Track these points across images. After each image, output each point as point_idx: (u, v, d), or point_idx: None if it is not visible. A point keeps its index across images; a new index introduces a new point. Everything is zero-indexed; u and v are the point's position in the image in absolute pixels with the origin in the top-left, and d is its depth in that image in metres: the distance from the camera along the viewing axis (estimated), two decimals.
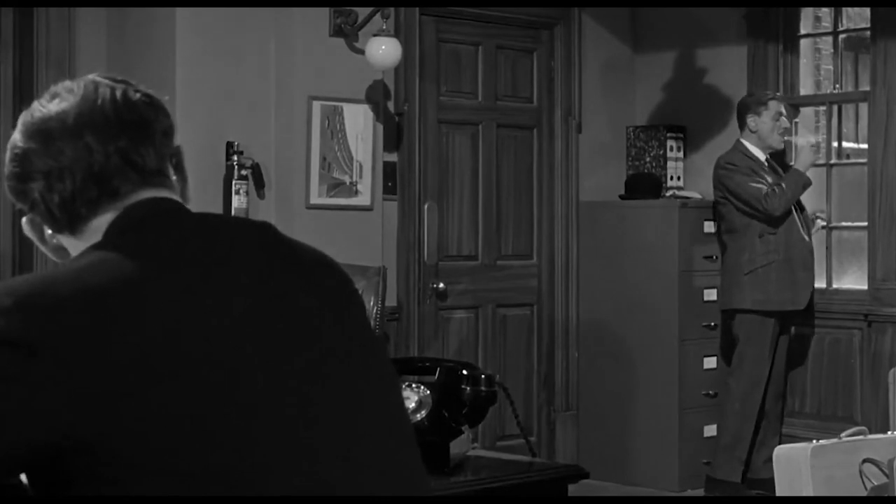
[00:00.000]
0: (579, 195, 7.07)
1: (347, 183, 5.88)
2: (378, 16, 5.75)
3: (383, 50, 5.73)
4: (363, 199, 5.94)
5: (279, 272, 1.70)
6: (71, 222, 1.71)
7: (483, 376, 3.09)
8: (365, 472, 1.64)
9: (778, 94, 6.60)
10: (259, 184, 5.63)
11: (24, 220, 1.76)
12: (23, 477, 1.60)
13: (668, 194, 6.98)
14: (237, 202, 5.51)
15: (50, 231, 1.74)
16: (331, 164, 5.83)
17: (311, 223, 5.63)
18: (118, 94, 1.73)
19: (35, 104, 1.75)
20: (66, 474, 1.51)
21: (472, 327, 6.73)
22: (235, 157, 5.54)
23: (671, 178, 7.12)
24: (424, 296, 6.50)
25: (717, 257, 6.60)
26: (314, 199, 5.78)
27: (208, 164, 5.46)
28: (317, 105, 5.77)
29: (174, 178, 1.75)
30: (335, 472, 1.61)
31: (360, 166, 5.92)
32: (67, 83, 1.75)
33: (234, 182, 5.52)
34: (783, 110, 6.39)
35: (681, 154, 7.19)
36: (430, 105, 6.56)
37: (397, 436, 1.72)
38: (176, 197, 1.73)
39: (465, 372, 3.10)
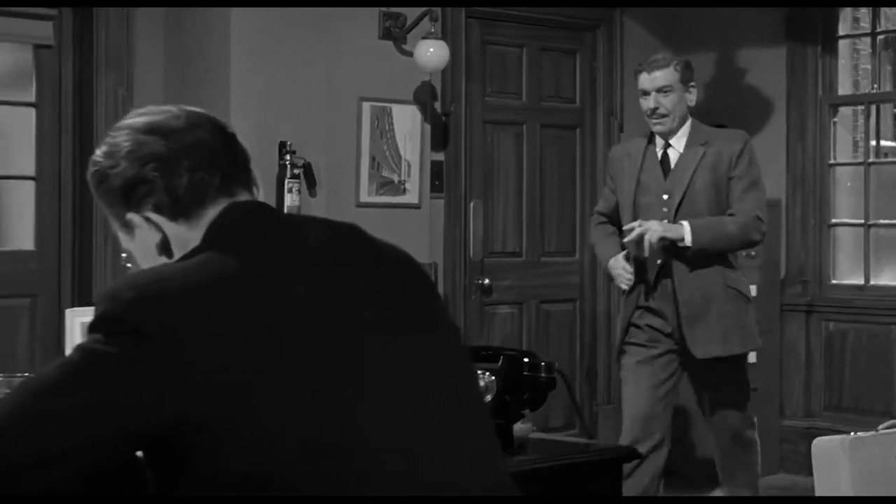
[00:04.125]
0: None
1: (396, 181, 5.98)
2: (426, 19, 5.85)
3: (431, 52, 5.83)
4: (411, 197, 6.03)
5: (367, 269, 1.85)
6: (193, 205, 1.80)
7: (543, 364, 3.25)
8: (456, 454, 1.77)
9: (650, 62, 4.99)
10: (311, 182, 5.69)
11: (128, 214, 1.81)
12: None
13: None
14: (290, 200, 5.56)
15: (156, 222, 1.80)
16: (380, 163, 5.93)
17: (360, 221, 5.55)
18: (204, 112, 1.88)
19: (113, 132, 1.83)
20: (181, 452, 1.65)
21: (517, 322, 6.77)
22: (288, 157, 5.59)
23: None
24: (470, 291, 6.54)
25: (754, 254, 6.59)
26: (364, 198, 5.87)
27: (261, 163, 5.44)
28: (366, 106, 5.86)
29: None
30: (430, 458, 1.74)
31: (409, 165, 6.01)
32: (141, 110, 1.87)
33: (286, 181, 5.57)
34: (648, 87, 4.94)
35: None
36: (476, 105, 6.62)
37: (479, 423, 1.85)
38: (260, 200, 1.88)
39: (526, 360, 3.26)
